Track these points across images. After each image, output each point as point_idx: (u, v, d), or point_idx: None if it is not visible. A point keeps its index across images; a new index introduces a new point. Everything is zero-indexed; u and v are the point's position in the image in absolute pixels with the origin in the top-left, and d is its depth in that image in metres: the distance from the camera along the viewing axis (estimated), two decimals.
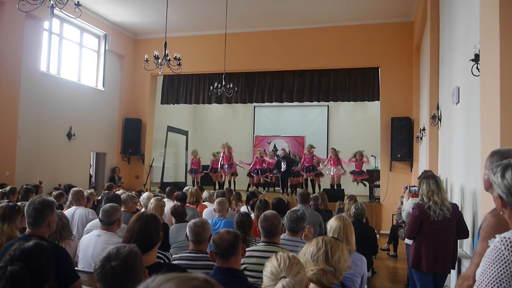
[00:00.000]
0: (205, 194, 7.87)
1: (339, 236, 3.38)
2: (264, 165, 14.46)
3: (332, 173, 13.20)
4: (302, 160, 13.90)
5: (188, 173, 15.09)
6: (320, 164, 13.70)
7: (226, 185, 14.37)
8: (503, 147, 2.49)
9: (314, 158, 13.70)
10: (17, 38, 10.21)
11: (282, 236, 3.82)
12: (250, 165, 14.77)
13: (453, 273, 4.55)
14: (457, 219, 4.27)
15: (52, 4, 6.16)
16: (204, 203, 7.48)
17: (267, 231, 3.55)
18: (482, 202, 3.61)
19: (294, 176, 14.04)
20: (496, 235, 1.63)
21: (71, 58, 12.70)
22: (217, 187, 14.37)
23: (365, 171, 13.03)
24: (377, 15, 12.21)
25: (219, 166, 14.27)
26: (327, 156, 14.45)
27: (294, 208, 4.23)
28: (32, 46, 10.76)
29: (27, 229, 3.10)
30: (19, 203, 4.27)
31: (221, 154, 14.36)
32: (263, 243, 3.56)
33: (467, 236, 4.35)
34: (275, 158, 14.69)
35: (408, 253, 5.18)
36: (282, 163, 13.72)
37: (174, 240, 4.88)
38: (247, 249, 3.45)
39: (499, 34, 3.09)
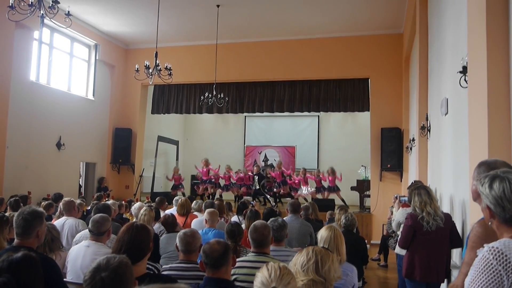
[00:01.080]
0: (194, 204, 7.84)
1: (329, 246, 3.39)
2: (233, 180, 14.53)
3: (303, 193, 13.39)
4: (273, 176, 14.04)
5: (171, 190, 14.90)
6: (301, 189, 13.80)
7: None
8: (490, 158, 2.52)
9: (283, 173, 13.93)
10: (7, 48, 10.15)
11: None
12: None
13: (446, 282, 4.57)
14: (450, 228, 4.29)
15: (42, 13, 6.16)
16: (194, 213, 7.46)
17: (257, 242, 3.55)
18: (471, 212, 3.63)
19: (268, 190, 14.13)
20: (484, 245, 1.65)
21: (61, 67, 12.64)
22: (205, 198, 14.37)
23: (337, 187, 13.20)
24: (367, 27, 12.34)
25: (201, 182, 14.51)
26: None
27: (273, 218, 4.23)
28: (21, 55, 10.70)
29: (16, 240, 3.08)
30: (7, 214, 4.23)
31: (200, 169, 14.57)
32: (253, 254, 3.55)
33: (461, 246, 4.36)
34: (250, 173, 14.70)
35: (399, 263, 5.19)
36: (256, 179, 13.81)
37: (164, 250, 4.86)
38: (237, 259, 3.44)
39: (486, 46, 3.14)
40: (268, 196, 13.85)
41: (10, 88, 10.26)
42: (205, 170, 14.42)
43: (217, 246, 2.81)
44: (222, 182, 14.59)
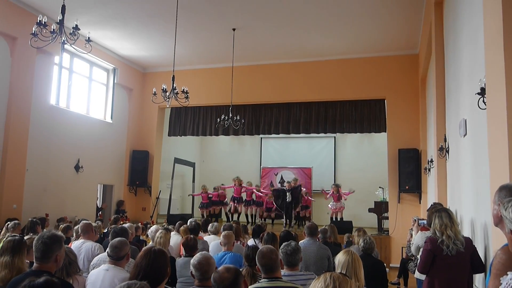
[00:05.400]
0: (210, 227, 7.79)
1: (347, 271, 3.33)
2: (243, 193, 14.59)
3: (333, 207, 13.34)
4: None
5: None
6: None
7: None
8: (511, 182, 2.47)
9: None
10: (28, 72, 10.42)
11: (282, 272, 3.74)
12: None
13: None
14: (471, 253, 4.18)
15: (63, 40, 6.32)
16: (210, 236, 7.43)
17: (267, 267, 3.48)
18: (493, 236, 3.56)
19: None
20: (508, 272, 1.61)
21: (80, 91, 12.89)
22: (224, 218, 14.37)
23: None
24: (382, 48, 12.37)
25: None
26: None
27: (285, 242, 4.16)
28: (42, 80, 10.95)
29: (35, 264, 3.10)
30: (26, 237, 4.28)
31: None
32: (266, 280, 3.46)
33: (483, 271, 4.24)
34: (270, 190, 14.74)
35: (419, 287, 5.08)
36: (288, 195, 13.57)
37: (180, 274, 4.82)
38: (251, 286, 3.38)
39: (504, 68, 3.11)
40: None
41: (31, 112, 10.49)
42: (237, 188, 14.53)
43: (226, 274, 2.77)
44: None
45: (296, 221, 14.16)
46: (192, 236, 5.50)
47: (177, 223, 8.00)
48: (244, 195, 14.72)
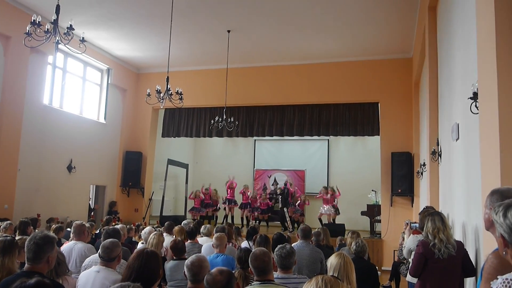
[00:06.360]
0: (203, 228, 7.77)
1: (339, 274, 3.34)
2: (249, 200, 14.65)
3: (324, 211, 13.34)
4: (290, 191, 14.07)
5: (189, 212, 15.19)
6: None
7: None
8: (503, 186, 2.49)
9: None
10: (22, 72, 10.35)
11: (275, 275, 3.74)
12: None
13: None
14: (462, 257, 4.20)
15: (57, 40, 6.29)
16: (202, 238, 7.41)
17: (260, 270, 3.47)
18: (484, 240, 3.57)
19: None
20: (498, 276, 1.62)
21: (74, 91, 12.82)
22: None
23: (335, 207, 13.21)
24: (376, 51, 12.42)
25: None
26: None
27: (280, 245, 4.15)
28: (35, 79, 10.89)
29: (26, 265, 3.07)
30: (17, 237, 4.25)
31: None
32: (258, 282, 3.46)
33: (474, 275, 4.26)
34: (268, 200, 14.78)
35: None
36: (280, 200, 13.61)
37: (171, 277, 4.79)
38: None
39: (496, 73, 3.13)
40: (288, 221, 13.76)
41: (23, 111, 10.42)
42: (230, 191, 14.71)
43: (219, 277, 2.76)
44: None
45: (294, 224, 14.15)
46: (180, 239, 5.49)
47: (165, 223, 7.96)
48: (239, 197, 14.77)
